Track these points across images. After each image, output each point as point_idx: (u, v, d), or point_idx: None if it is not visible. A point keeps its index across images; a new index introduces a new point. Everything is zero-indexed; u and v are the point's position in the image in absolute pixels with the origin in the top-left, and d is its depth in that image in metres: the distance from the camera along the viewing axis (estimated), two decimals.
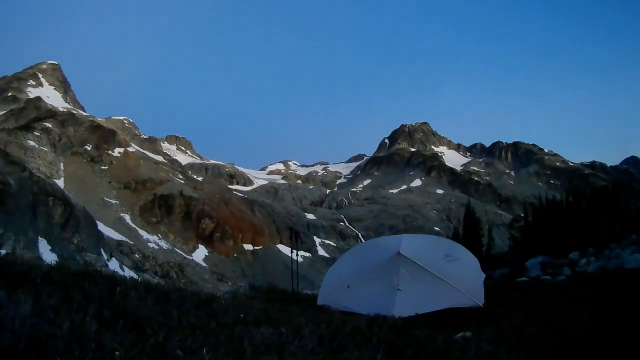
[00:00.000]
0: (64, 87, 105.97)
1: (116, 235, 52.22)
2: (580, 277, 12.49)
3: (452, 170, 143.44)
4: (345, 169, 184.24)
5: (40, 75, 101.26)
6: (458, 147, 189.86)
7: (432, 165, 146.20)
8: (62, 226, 40.45)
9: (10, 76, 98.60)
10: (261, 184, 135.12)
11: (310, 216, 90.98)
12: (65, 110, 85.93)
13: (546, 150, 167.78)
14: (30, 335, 2.34)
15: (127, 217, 60.63)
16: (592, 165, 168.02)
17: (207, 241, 62.48)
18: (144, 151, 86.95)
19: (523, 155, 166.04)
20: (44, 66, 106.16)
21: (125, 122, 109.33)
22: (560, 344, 5.25)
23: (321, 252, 74.74)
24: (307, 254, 68.36)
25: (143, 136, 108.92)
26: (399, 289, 7.82)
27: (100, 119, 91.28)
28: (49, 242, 37.40)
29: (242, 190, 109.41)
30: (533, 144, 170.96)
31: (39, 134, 69.80)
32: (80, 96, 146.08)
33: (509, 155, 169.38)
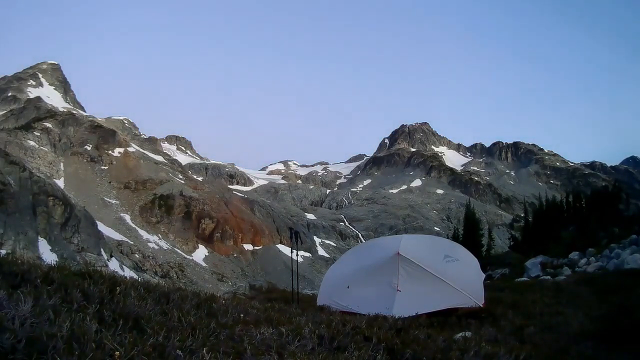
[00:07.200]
0: (64, 87, 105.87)
1: (116, 235, 52.18)
2: (580, 277, 12.49)
3: (452, 170, 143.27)
4: (345, 169, 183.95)
5: (40, 75, 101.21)
6: (458, 147, 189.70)
7: (432, 165, 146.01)
8: (62, 226, 40.42)
9: (10, 76, 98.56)
10: (261, 184, 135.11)
11: (310, 216, 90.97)
12: (65, 110, 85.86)
13: (546, 150, 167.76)
14: (30, 335, 2.34)
15: (127, 217, 60.59)
16: (592, 165, 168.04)
17: (207, 241, 62.48)
18: (144, 151, 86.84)
19: (523, 155, 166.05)
20: (44, 66, 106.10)
21: (125, 122, 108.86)
22: (560, 344, 5.25)
23: (321, 252, 74.75)
24: (307, 254, 68.36)
25: (143, 136, 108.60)
26: (398, 289, 7.82)
27: (100, 119, 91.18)
28: (49, 242, 37.35)
29: (242, 190, 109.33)
30: (533, 144, 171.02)
31: (39, 134, 69.75)
32: (80, 96, 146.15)
33: (509, 155, 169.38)
